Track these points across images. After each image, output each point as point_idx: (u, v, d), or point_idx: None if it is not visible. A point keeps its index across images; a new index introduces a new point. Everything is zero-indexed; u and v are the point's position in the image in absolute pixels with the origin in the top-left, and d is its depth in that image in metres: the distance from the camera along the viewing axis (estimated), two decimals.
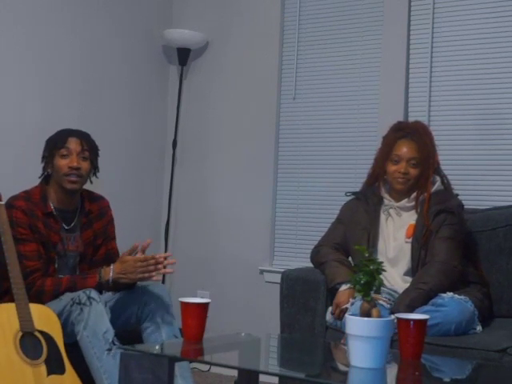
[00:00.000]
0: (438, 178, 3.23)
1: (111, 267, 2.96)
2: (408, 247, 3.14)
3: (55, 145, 3.08)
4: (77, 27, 4.01)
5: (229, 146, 4.42)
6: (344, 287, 3.09)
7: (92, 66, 4.11)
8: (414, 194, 3.19)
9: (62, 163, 3.04)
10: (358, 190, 3.41)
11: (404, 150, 3.18)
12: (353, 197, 3.38)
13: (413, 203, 3.20)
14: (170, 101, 4.59)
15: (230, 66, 4.44)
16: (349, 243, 3.27)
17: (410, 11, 3.90)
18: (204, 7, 4.54)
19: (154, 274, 2.94)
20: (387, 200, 3.26)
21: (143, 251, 2.96)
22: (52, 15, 3.87)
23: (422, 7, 3.89)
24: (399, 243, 3.18)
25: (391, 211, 3.24)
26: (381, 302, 2.93)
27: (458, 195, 3.26)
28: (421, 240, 3.11)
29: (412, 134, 3.20)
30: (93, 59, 4.11)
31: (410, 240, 3.14)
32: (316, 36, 4.20)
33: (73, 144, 3.07)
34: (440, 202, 3.16)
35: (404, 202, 3.22)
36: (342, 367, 2.41)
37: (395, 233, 3.20)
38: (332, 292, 3.16)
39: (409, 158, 3.17)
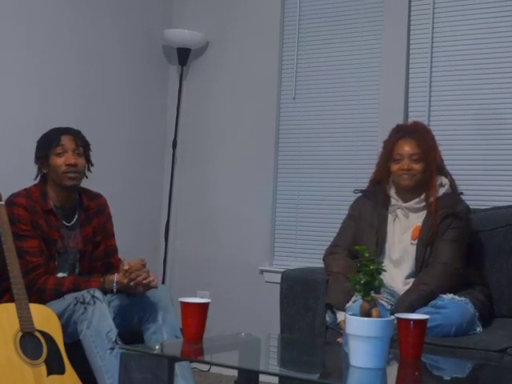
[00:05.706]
0: (446, 181, 3.23)
1: (115, 276, 2.97)
2: (413, 249, 3.13)
3: (50, 144, 3.07)
4: (77, 27, 4.01)
5: (229, 146, 4.41)
6: (341, 316, 3.03)
7: (92, 65, 4.11)
8: (423, 196, 3.19)
9: (59, 162, 3.05)
10: (358, 189, 3.40)
11: (404, 148, 3.18)
12: (361, 195, 3.36)
13: (422, 204, 3.19)
14: (169, 101, 4.58)
15: (230, 66, 4.44)
16: (358, 241, 3.25)
17: (410, 11, 3.90)
18: (204, 7, 4.53)
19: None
20: (394, 200, 3.25)
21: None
22: (52, 15, 3.87)
23: (422, 7, 3.88)
24: (404, 245, 3.16)
25: (398, 212, 3.22)
26: (382, 301, 2.92)
27: (462, 193, 3.25)
28: (427, 240, 3.10)
29: (411, 133, 3.21)
30: (93, 59, 4.11)
31: (416, 242, 3.14)
32: (316, 36, 4.19)
33: (67, 141, 3.08)
34: (448, 205, 3.15)
35: (412, 203, 3.20)
36: (341, 367, 2.41)
37: (401, 234, 3.19)
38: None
39: (410, 154, 3.16)
